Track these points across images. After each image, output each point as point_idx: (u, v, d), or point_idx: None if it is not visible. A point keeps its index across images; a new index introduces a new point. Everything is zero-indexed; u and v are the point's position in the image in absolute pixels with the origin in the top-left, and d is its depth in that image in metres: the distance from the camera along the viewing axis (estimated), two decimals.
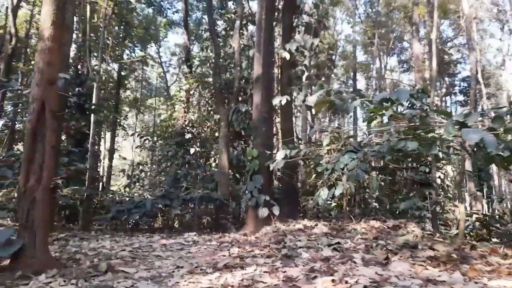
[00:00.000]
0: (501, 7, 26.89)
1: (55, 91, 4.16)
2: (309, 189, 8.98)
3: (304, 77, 8.90)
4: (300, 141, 9.25)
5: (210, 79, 15.15)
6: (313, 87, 9.75)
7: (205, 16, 18.34)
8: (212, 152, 15.50)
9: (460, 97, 30.09)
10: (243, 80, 12.90)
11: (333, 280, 2.92)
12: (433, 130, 4.39)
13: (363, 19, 23.24)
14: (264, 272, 3.56)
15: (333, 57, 9.02)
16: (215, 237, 6.46)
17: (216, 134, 16.09)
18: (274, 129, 11.51)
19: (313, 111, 18.63)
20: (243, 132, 14.77)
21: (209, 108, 15.92)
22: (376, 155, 5.43)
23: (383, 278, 2.85)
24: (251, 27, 15.18)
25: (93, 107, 10.96)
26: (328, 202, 9.02)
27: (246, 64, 11.26)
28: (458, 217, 12.37)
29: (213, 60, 13.12)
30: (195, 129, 16.79)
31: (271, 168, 6.91)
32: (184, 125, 16.53)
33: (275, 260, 4.09)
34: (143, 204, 9.08)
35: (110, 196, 11.33)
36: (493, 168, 26.03)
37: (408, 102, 6.59)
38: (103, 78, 21.25)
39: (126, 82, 30.04)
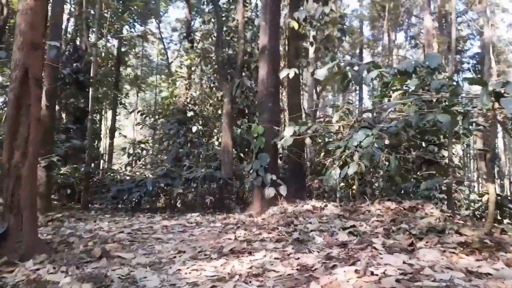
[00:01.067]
0: None
1: (40, 58, 3.71)
2: (316, 168, 8.58)
3: (311, 50, 8.35)
4: (308, 117, 8.80)
5: (213, 54, 14.56)
6: (321, 60, 9.22)
7: None
8: (215, 131, 15.07)
9: (468, 75, 29.28)
10: (247, 55, 12.34)
11: (356, 271, 2.55)
12: (458, 103, 3.95)
13: None
14: (275, 258, 3.21)
15: (344, 27, 8.40)
16: (219, 218, 6.12)
17: (219, 112, 15.64)
18: (281, 104, 11.02)
19: (319, 87, 18.08)
20: (246, 109, 14.34)
21: (212, 85, 15.39)
22: (395, 130, 4.99)
23: (415, 270, 2.48)
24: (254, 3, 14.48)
25: (90, 80, 10.44)
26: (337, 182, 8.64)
27: (250, 37, 10.65)
28: (470, 197, 12.04)
29: (215, 34, 12.50)
30: (197, 106, 16.32)
31: (278, 146, 6.50)
32: (186, 103, 16.06)
33: (286, 244, 3.74)
34: (144, 183, 8.75)
35: (111, 175, 11.00)
36: (500, 146, 25.55)
37: (420, 78, 6.11)
38: (102, 53, 20.68)
39: (126, 59, 29.37)
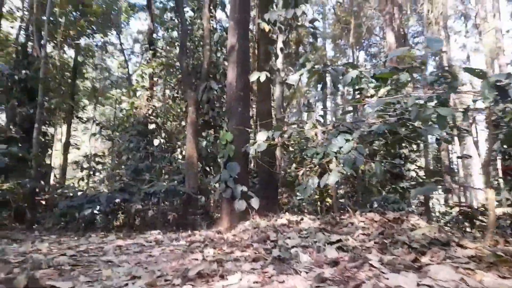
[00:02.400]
0: (466, 4, 27.43)
1: None
2: (286, 179, 8.05)
3: (281, 56, 7.94)
4: (280, 123, 8.34)
5: (177, 63, 13.91)
6: (291, 67, 8.84)
7: (170, 2, 16.95)
8: (179, 143, 14.25)
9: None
10: (212, 65, 11.80)
11: None
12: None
13: (335, 8, 22.69)
14: (254, 282, 2.58)
15: (316, 31, 8.09)
16: (183, 236, 5.37)
17: (183, 123, 14.88)
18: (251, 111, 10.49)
19: (285, 101, 17.83)
20: (212, 121, 13.71)
21: (175, 95, 14.64)
22: (381, 131, 4.58)
23: None
24: (219, 14, 14.08)
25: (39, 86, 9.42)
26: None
27: (216, 40, 10.14)
28: (440, 209, 12.00)
29: (178, 42, 11.87)
30: (159, 118, 15.48)
31: (250, 154, 5.92)
32: (147, 114, 15.17)
33: (265, 264, 3.11)
34: (97, 198, 7.80)
35: (60, 190, 9.86)
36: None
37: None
38: (56, 62, 19.34)
39: (84, 70, 27.91)
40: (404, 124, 5.15)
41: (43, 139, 17.14)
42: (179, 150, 14.29)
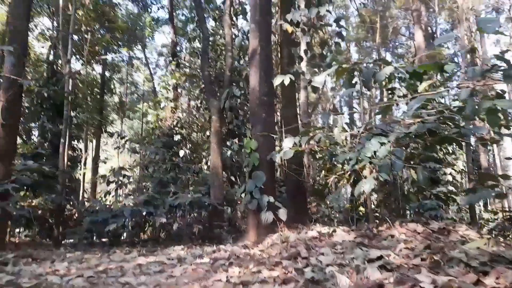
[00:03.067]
0: None
1: None
2: (316, 187, 7.60)
3: (305, 59, 7.58)
4: (307, 129, 7.94)
5: (199, 71, 13.83)
6: (317, 67, 8.45)
7: (192, 13, 17.04)
8: (204, 154, 14.09)
9: None
10: (235, 72, 11.59)
11: None
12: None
13: (359, 9, 22.11)
14: None
15: (342, 30, 7.69)
16: (207, 251, 5.05)
17: (208, 133, 14.75)
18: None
19: (310, 107, 17.33)
20: (237, 130, 13.47)
21: (199, 105, 14.54)
22: (420, 132, 4.11)
23: None
24: (240, 22, 13.94)
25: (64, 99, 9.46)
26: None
27: (238, 44, 9.92)
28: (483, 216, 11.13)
29: (201, 51, 11.76)
30: (184, 130, 15.43)
31: (275, 162, 5.57)
32: (172, 126, 15.17)
33: (297, 287, 2.73)
34: (122, 212, 7.66)
35: (87, 205, 9.84)
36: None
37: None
38: (83, 77, 19.81)
39: (111, 85, 28.63)
40: (445, 122, 4.65)
41: (73, 154, 17.50)
42: (204, 160, 14.13)
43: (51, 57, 19.58)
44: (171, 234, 9.14)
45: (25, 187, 8.26)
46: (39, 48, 22.90)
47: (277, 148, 5.48)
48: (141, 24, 25.56)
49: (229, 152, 12.33)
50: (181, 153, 14.39)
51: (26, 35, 6.63)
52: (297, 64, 7.29)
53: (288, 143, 4.96)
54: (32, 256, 5.12)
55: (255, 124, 6.05)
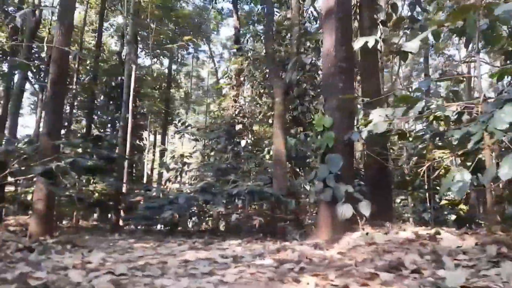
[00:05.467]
0: None
1: None
2: (405, 178, 6.16)
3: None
4: (404, 94, 6.55)
5: (263, 53, 12.94)
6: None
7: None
8: (266, 142, 13.21)
9: None
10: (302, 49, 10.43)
11: None
12: None
13: None
14: None
15: None
16: (270, 249, 4.07)
17: (270, 121, 13.86)
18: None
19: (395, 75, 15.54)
20: (302, 117, 12.37)
21: (262, 91, 13.66)
22: None
23: None
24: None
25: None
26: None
27: (308, 4, 8.73)
28: None
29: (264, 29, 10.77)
30: (246, 119, 14.72)
31: (356, 141, 4.41)
32: (234, 115, 14.55)
33: None
34: (177, 199, 7.02)
35: (142, 191, 9.44)
36: None
37: None
38: (152, 72, 20.04)
39: (178, 78, 29.17)
40: None
41: (139, 143, 17.75)
42: (266, 150, 13.26)
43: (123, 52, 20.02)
44: (230, 225, 8.39)
45: (84, 170, 8.02)
46: (114, 45, 23.92)
47: (362, 121, 4.31)
48: (206, 16, 25.57)
49: (293, 141, 11.29)
50: (243, 143, 13.73)
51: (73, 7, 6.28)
52: (380, 28, 5.99)
53: (378, 114, 3.78)
54: (73, 242, 4.58)
55: (330, 97, 4.91)
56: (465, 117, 3.57)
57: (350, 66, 5.09)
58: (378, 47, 6.16)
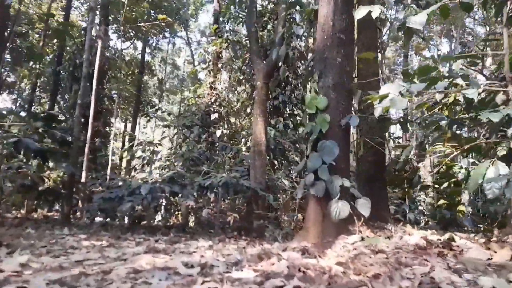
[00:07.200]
0: None
1: None
2: (401, 173, 5.46)
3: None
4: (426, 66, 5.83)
5: (244, 40, 12.06)
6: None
7: None
8: (243, 133, 12.37)
9: None
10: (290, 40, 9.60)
11: None
12: None
13: None
14: None
15: None
16: (248, 254, 3.23)
17: (248, 110, 13.04)
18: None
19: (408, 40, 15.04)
20: (282, 106, 11.65)
21: (240, 77, 12.80)
22: None
23: None
24: None
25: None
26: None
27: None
28: None
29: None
30: (223, 108, 13.84)
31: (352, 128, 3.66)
32: (209, 103, 13.64)
33: None
34: (139, 189, 6.08)
35: (98, 179, 8.35)
36: None
37: None
38: (121, 52, 18.76)
39: (152, 64, 27.76)
40: None
41: (105, 130, 16.42)
42: (243, 141, 12.43)
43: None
44: (201, 221, 7.52)
45: (32, 153, 6.91)
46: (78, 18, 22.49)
47: (375, 96, 3.54)
48: (184, 0, 24.46)
49: (272, 132, 10.55)
50: (218, 133, 12.88)
51: None
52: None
53: (394, 89, 3.02)
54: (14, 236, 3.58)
55: (325, 72, 4.12)
56: (500, 98, 2.87)
57: (350, 38, 4.33)
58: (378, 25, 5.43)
